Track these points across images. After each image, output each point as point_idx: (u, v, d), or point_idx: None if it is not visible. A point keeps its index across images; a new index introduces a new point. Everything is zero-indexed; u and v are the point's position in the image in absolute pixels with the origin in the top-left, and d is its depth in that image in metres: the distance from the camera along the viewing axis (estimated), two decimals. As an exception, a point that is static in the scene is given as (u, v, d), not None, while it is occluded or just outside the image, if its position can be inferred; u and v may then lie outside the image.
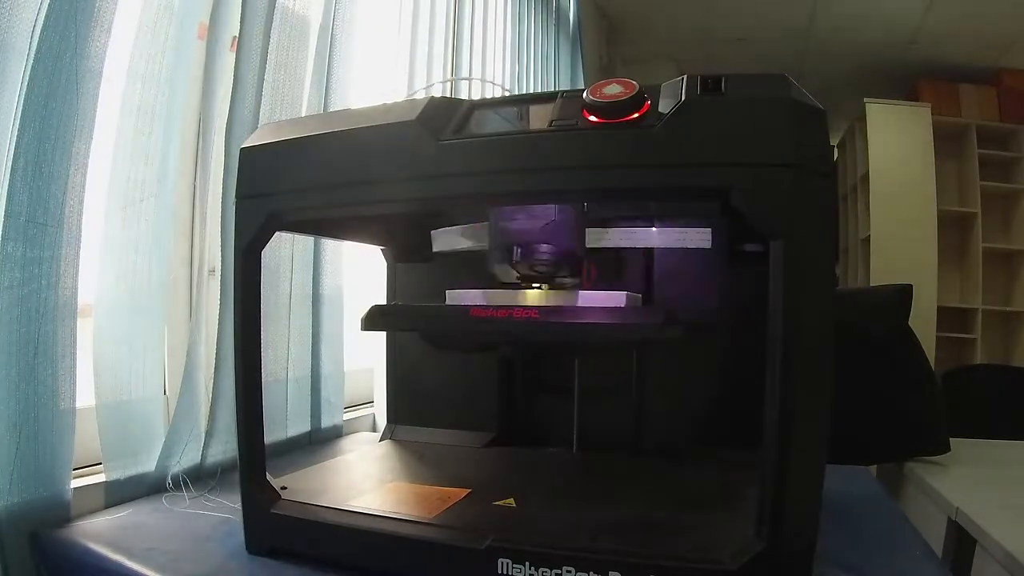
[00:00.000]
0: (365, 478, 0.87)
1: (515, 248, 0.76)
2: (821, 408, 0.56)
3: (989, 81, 4.42)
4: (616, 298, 0.73)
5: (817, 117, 0.56)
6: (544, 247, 0.75)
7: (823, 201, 0.56)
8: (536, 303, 0.75)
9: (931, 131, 4.24)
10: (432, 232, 0.95)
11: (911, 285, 1.72)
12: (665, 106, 0.58)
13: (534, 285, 0.79)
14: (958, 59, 4.29)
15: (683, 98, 0.57)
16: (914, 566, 0.71)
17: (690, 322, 0.69)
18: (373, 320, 0.79)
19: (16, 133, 0.71)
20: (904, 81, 4.48)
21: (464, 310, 0.74)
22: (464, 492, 0.77)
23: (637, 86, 0.59)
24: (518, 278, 0.79)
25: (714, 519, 0.69)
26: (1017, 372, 2.95)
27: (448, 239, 0.94)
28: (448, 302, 0.83)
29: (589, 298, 0.74)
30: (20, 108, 0.71)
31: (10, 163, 0.71)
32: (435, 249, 0.95)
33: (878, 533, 0.82)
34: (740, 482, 0.72)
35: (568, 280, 0.80)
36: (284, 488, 0.75)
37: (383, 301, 1.08)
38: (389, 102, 0.72)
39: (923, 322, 3.88)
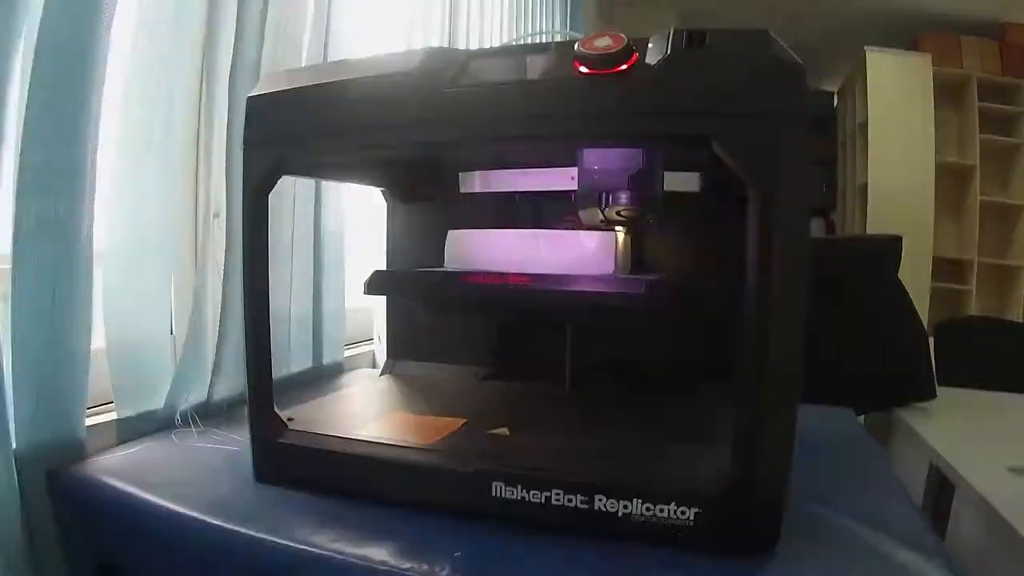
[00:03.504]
0: (367, 410, 0.90)
1: (603, 195, 0.78)
2: (794, 347, 0.59)
3: (993, 35, 4.37)
4: (607, 237, 0.77)
5: (796, 72, 0.58)
6: (630, 195, 0.77)
7: (800, 152, 0.58)
8: (539, 248, 0.79)
9: (931, 81, 4.20)
10: (460, 174, 0.98)
11: (901, 237, 1.73)
12: (652, 58, 0.60)
13: (617, 229, 0.82)
14: (962, 11, 4.24)
15: (669, 51, 0.59)
16: (886, 503, 0.75)
17: (674, 288, 0.72)
18: (374, 286, 0.83)
19: (30, 84, 0.72)
20: (907, 31, 4.43)
21: (459, 276, 0.77)
22: (461, 422, 0.80)
23: (625, 39, 0.61)
24: (602, 221, 0.81)
25: (696, 449, 0.72)
26: (1010, 325, 2.96)
27: (475, 182, 0.97)
28: (448, 242, 0.86)
29: (580, 237, 0.78)
30: (34, 60, 0.72)
31: (24, 112, 0.72)
32: (463, 191, 0.98)
33: (856, 471, 0.86)
34: (723, 416, 0.75)
35: (650, 222, 0.83)
36: (291, 419, 0.78)
37: (383, 240, 1.12)
38: (389, 52, 0.74)
39: (918, 272, 3.90)
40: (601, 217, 0.80)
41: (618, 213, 0.79)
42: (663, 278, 0.84)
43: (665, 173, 0.81)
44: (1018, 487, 1.13)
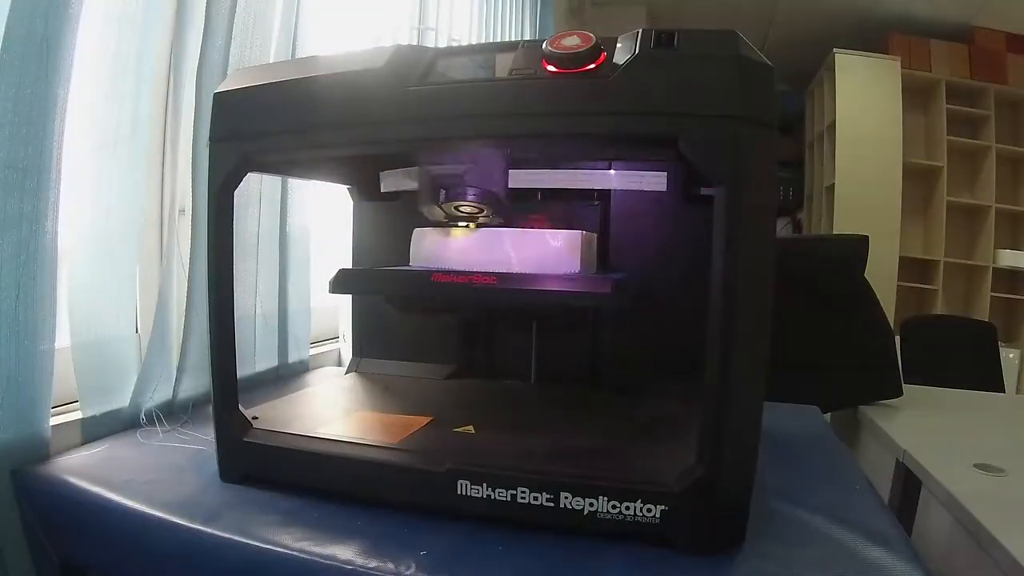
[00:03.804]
0: (333, 408, 0.89)
1: (440, 191, 0.79)
2: (759, 345, 0.59)
3: (962, 39, 4.43)
4: (572, 236, 0.77)
5: (764, 72, 0.58)
6: (467, 191, 0.78)
7: (766, 151, 0.59)
8: (505, 247, 0.79)
9: (899, 84, 4.26)
10: (380, 173, 0.98)
11: (867, 236, 1.74)
12: (620, 58, 0.60)
13: (460, 224, 0.84)
14: (932, 15, 4.29)
15: (637, 51, 0.59)
16: (852, 498, 0.75)
17: (638, 287, 0.72)
18: (340, 284, 0.82)
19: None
20: (876, 34, 4.48)
21: (426, 275, 0.76)
22: (426, 420, 0.80)
23: (594, 38, 0.61)
24: (445, 218, 0.83)
25: (662, 448, 0.72)
26: (975, 324, 3.00)
27: (395, 180, 0.97)
28: (414, 240, 0.86)
29: (546, 235, 0.78)
30: (0, 55, 0.70)
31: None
32: (383, 190, 0.98)
33: (822, 469, 0.86)
34: (689, 414, 0.74)
35: (493, 219, 0.84)
36: (255, 418, 0.77)
37: (349, 239, 1.11)
38: (357, 49, 0.74)
39: (884, 271, 3.95)
40: (442, 214, 0.82)
41: (456, 209, 0.81)
42: (629, 276, 0.84)
43: (633, 171, 0.82)
44: (984, 483, 1.15)
